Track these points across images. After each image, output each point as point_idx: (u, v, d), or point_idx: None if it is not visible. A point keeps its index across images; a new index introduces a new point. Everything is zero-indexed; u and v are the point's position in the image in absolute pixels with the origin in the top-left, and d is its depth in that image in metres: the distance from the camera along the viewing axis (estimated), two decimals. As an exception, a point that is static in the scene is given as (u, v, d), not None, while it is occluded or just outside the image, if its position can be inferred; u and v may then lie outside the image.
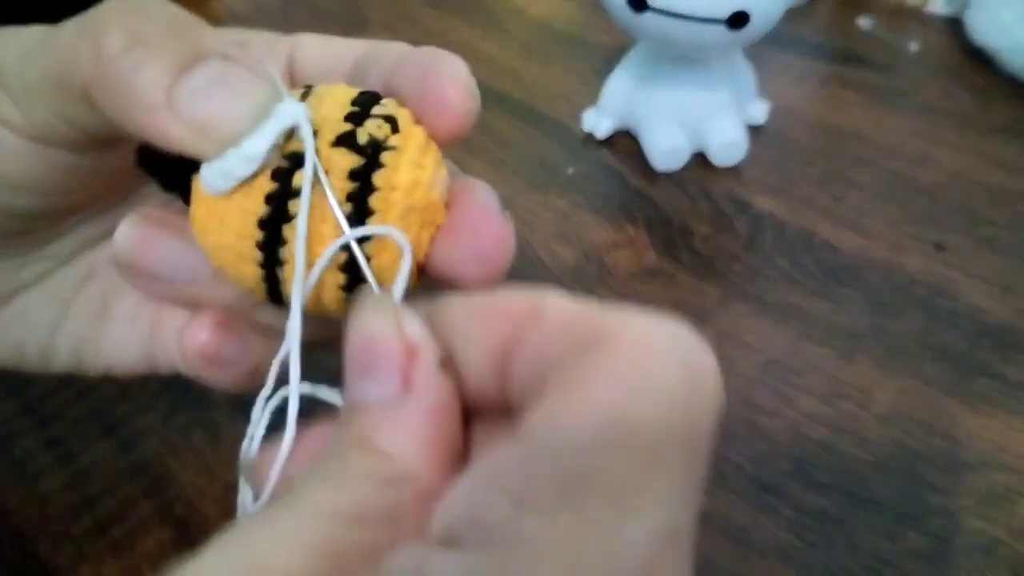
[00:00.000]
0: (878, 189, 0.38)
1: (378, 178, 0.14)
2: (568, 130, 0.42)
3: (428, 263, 0.15)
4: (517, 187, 0.39)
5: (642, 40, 0.39)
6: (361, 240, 0.14)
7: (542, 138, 0.42)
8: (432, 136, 0.16)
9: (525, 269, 0.34)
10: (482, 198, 0.15)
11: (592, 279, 0.34)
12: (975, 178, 0.39)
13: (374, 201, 0.14)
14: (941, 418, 0.28)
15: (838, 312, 0.32)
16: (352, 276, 0.14)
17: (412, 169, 0.15)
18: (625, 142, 0.41)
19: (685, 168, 0.39)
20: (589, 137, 0.42)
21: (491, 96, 0.45)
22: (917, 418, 0.28)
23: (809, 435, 0.28)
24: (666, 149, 0.39)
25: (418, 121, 0.15)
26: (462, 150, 0.41)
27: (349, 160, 0.14)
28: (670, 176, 0.39)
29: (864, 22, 0.51)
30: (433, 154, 0.15)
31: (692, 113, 0.39)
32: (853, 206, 0.37)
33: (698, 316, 0.32)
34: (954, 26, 0.50)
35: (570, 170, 0.40)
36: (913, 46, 0.49)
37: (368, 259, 0.14)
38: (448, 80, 0.15)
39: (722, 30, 0.34)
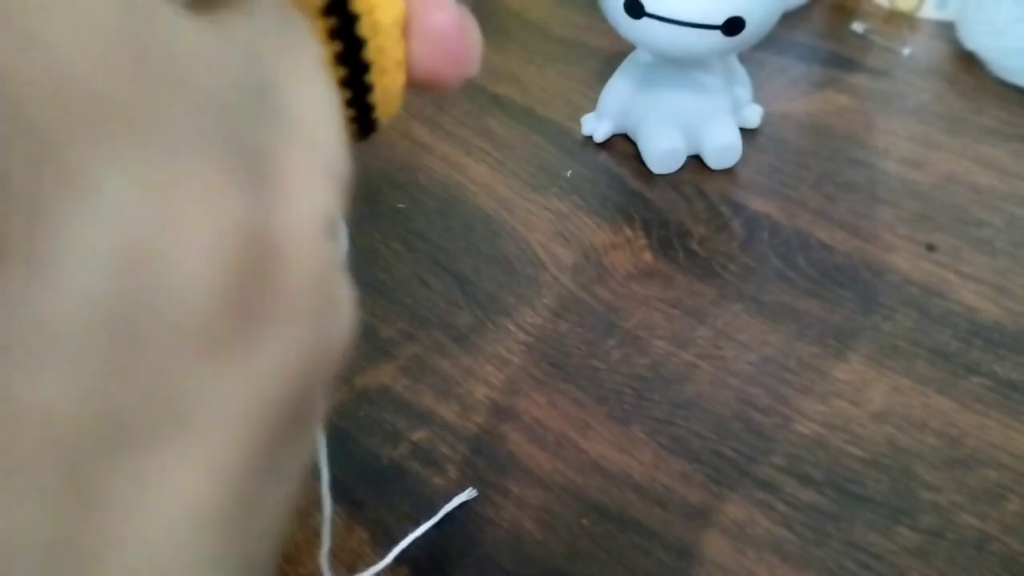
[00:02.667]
0: (871, 191, 0.39)
1: (353, 5, 0.13)
2: (567, 133, 0.43)
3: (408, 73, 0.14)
4: (517, 189, 0.39)
5: (639, 45, 0.39)
6: (360, 69, 0.13)
7: (541, 141, 0.42)
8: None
9: (525, 269, 0.35)
10: None
11: (591, 279, 0.34)
12: (967, 180, 0.39)
13: (361, 29, 0.13)
14: (934, 416, 0.28)
15: (832, 311, 0.32)
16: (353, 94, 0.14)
17: None
18: (623, 145, 0.42)
19: (682, 170, 0.40)
20: (588, 140, 0.42)
21: (491, 100, 0.45)
22: (910, 416, 0.28)
23: (803, 432, 0.28)
24: (663, 152, 0.39)
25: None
26: (463, 153, 0.41)
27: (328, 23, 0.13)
28: (667, 178, 0.40)
29: (858, 27, 0.52)
30: None
31: (689, 116, 0.39)
32: (847, 207, 0.38)
33: (694, 315, 0.32)
34: (946, 31, 0.51)
35: (569, 172, 0.40)
36: (906, 50, 0.50)
37: (371, 87, 0.14)
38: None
39: (718, 36, 0.35)
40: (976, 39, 0.47)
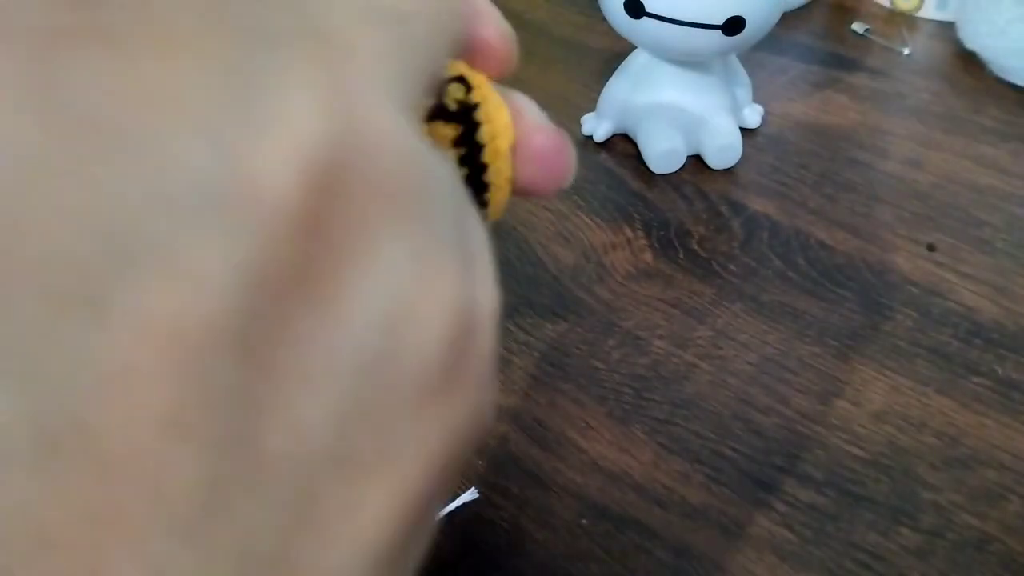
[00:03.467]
0: (871, 191, 0.39)
1: (480, 136, 0.15)
2: (567, 133, 0.43)
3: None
4: (516, 189, 0.39)
5: (639, 45, 0.39)
6: (480, 188, 0.16)
7: (541, 141, 0.42)
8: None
9: (525, 269, 0.35)
10: (534, 116, 0.16)
11: (591, 279, 0.34)
12: (967, 179, 0.39)
13: (485, 156, 0.16)
14: (934, 416, 0.28)
15: (832, 311, 0.32)
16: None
17: (499, 115, 0.16)
18: (623, 145, 0.42)
19: (682, 170, 0.40)
20: (588, 140, 0.42)
21: (490, 100, 0.45)
22: (910, 416, 0.28)
23: (803, 432, 0.28)
24: (663, 152, 0.39)
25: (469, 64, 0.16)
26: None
27: (449, 130, 0.15)
28: (667, 178, 0.40)
29: (858, 26, 0.52)
30: (493, 91, 0.16)
31: (688, 116, 0.39)
32: (846, 207, 0.38)
33: (694, 315, 0.32)
34: (947, 31, 0.51)
35: (568, 173, 0.40)
36: (906, 50, 0.50)
37: (487, 204, 0.16)
38: (487, 25, 0.15)
39: (718, 35, 0.35)
40: (976, 39, 0.47)
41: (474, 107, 0.15)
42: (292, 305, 0.07)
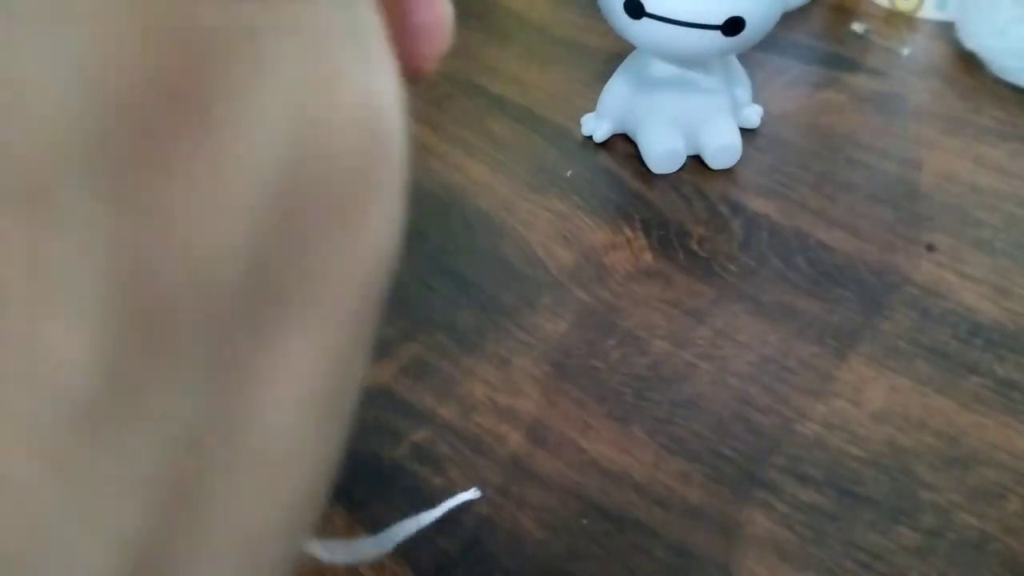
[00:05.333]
0: (871, 191, 0.39)
1: None
2: (567, 133, 0.43)
3: None
4: (517, 189, 0.39)
5: (639, 45, 0.39)
6: None
7: (541, 141, 0.42)
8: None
9: (525, 269, 0.35)
10: None
11: (590, 279, 0.34)
12: (966, 180, 0.39)
13: None
14: (933, 416, 0.28)
15: (831, 311, 0.32)
16: None
17: None
18: (623, 145, 0.42)
19: (681, 170, 0.40)
20: (587, 140, 0.42)
21: (491, 100, 0.45)
22: (909, 416, 0.29)
23: (803, 432, 0.28)
24: (663, 152, 0.39)
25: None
26: (463, 153, 0.41)
27: None
28: (667, 178, 0.40)
29: (857, 27, 0.52)
30: None
31: (688, 117, 0.39)
32: (846, 207, 0.38)
33: (694, 315, 0.32)
34: (946, 31, 0.51)
35: (569, 172, 0.40)
36: (906, 50, 0.50)
37: None
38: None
39: (717, 36, 0.35)
40: (975, 39, 0.47)
41: None
42: (167, 133, 0.06)
